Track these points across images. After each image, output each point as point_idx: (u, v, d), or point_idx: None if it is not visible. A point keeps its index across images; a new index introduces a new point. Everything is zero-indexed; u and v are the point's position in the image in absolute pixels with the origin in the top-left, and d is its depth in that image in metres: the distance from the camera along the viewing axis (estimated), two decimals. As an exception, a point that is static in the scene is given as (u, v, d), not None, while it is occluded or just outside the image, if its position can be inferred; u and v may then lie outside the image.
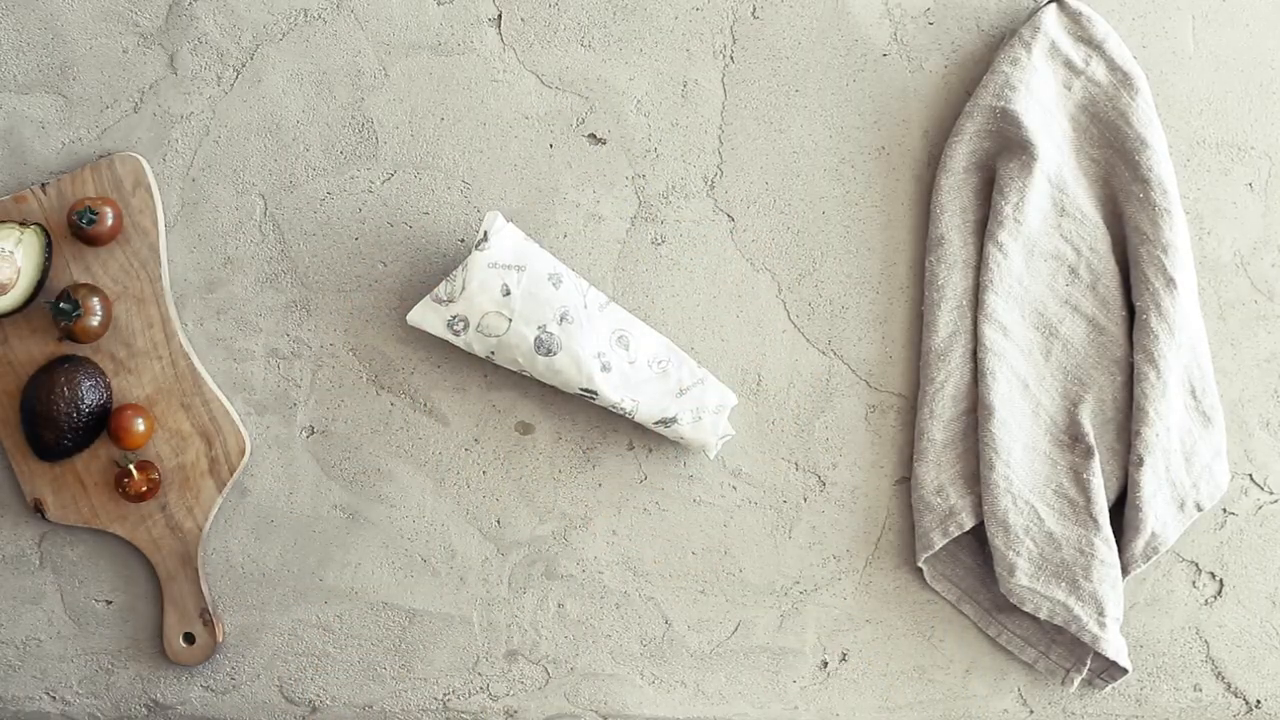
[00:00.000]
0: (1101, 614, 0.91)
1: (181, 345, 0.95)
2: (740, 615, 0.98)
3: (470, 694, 0.99)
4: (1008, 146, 0.92)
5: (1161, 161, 0.92)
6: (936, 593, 0.98)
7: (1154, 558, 0.93)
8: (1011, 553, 0.91)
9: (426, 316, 0.90)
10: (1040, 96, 0.92)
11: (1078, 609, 0.91)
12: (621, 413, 0.91)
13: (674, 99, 0.96)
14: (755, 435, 0.97)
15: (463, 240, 0.96)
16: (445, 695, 0.99)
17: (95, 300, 0.91)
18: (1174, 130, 0.96)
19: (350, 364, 0.97)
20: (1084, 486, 0.92)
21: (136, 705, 1.00)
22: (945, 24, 0.96)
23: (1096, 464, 0.92)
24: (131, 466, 0.93)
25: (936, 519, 0.94)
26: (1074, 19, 0.92)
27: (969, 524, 0.93)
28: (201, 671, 0.99)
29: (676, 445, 0.97)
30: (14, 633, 0.99)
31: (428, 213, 0.96)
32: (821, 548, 0.98)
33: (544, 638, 0.99)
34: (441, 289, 0.89)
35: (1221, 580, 0.98)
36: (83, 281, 0.94)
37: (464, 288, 0.88)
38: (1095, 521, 0.91)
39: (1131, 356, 0.93)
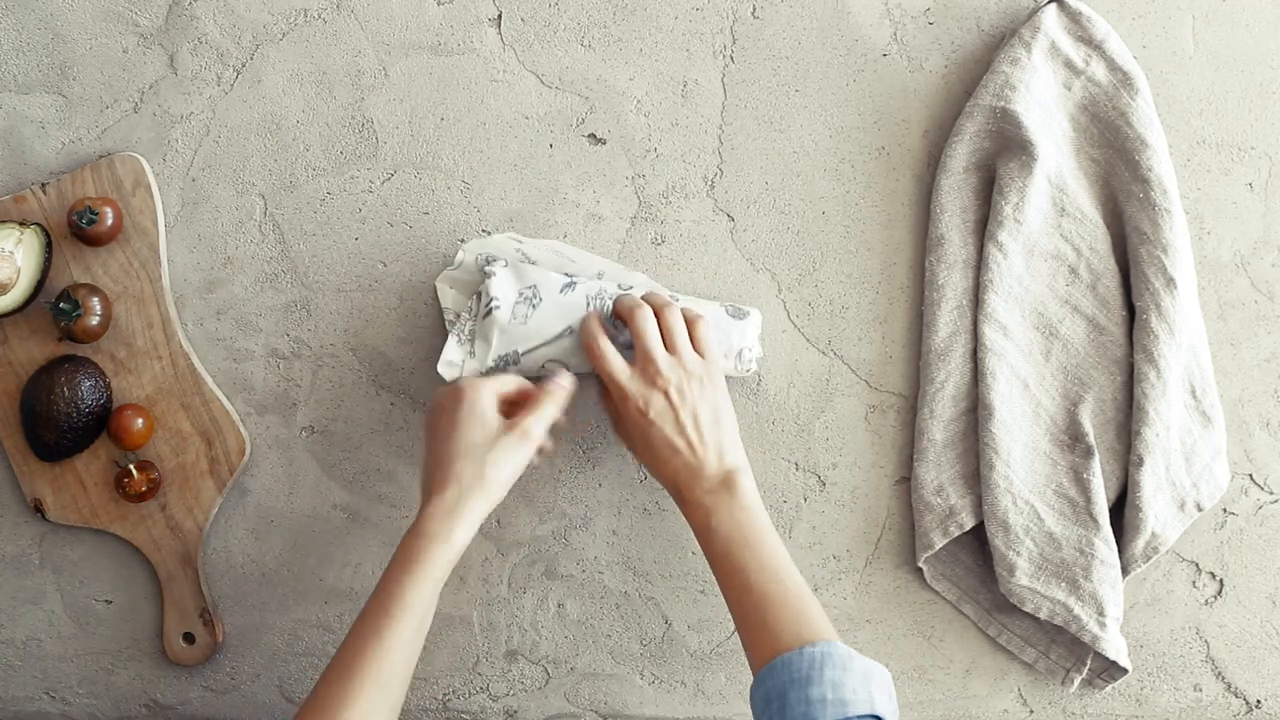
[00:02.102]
0: (1101, 614, 0.91)
1: (181, 345, 0.95)
2: (740, 615, 0.98)
3: (470, 694, 0.99)
4: (1008, 146, 0.92)
5: (1161, 161, 0.91)
6: (936, 593, 0.98)
7: (1154, 558, 0.93)
8: (1011, 553, 0.91)
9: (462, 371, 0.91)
10: (1040, 96, 0.92)
11: (1078, 609, 0.91)
12: None
13: (674, 99, 0.96)
14: (755, 435, 0.97)
15: (463, 240, 0.96)
16: (445, 695, 0.99)
17: (95, 300, 0.91)
18: (1174, 130, 0.96)
19: (350, 364, 0.97)
20: (1084, 486, 0.92)
21: (136, 705, 1.00)
22: (945, 24, 0.96)
23: (1096, 464, 0.92)
24: (131, 466, 0.93)
25: (936, 519, 0.94)
26: (1074, 19, 0.92)
27: (969, 524, 0.93)
28: (201, 671, 0.99)
29: (676, 445, 0.97)
30: (14, 633, 0.99)
31: (428, 213, 0.96)
32: (821, 548, 0.98)
33: (544, 638, 0.99)
34: (467, 361, 0.91)
35: (1221, 580, 0.98)
36: (83, 281, 0.94)
37: (493, 353, 0.90)
38: (1095, 521, 0.91)
39: (1131, 356, 0.93)
